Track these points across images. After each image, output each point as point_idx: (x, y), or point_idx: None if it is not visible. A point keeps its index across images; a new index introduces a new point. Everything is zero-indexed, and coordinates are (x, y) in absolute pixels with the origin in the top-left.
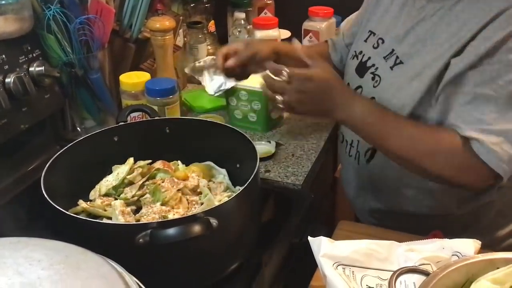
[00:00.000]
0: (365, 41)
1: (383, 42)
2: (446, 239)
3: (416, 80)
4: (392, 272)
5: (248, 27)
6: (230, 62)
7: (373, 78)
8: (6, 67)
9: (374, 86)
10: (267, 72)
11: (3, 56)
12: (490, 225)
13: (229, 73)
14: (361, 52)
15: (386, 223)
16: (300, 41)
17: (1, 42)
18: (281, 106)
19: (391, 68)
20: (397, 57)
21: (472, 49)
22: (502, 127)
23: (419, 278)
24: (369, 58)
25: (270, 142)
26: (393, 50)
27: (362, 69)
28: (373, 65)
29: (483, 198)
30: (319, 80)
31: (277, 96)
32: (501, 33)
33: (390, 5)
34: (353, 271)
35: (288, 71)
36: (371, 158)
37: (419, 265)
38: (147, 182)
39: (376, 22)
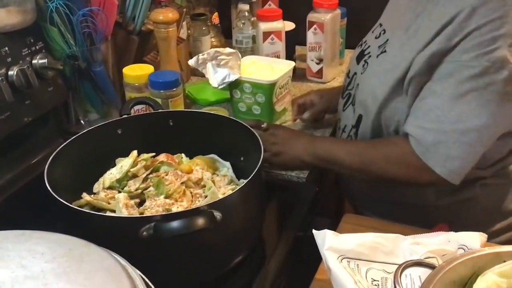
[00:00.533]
0: (373, 31)
1: (384, 32)
2: (452, 232)
3: (391, 72)
4: (397, 266)
5: (252, 19)
6: (307, 116)
7: (363, 66)
8: (9, 59)
9: (361, 73)
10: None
11: (6, 48)
12: (475, 222)
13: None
14: (365, 41)
15: (373, 211)
16: (305, 33)
17: (4, 34)
18: None
19: (377, 56)
20: (384, 46)
21: (434, 45)
22: (442, 126)
23: (424, 272)
24: (369, 47)
25: None
26: (387, 40)
27: (360, 56)
28: (369, 53)
29: (464, 193)
30: (286, 129)
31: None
32: (461, 32)
33: None
34: (357, 264)
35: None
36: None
37: (425, 258)
38: (150, 175)
39: (386, 14)
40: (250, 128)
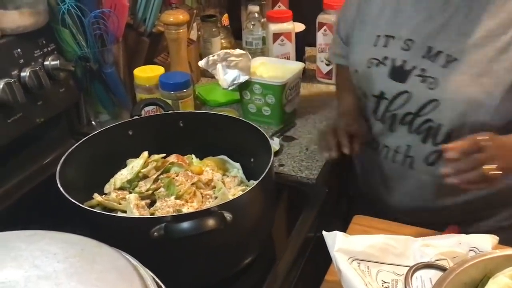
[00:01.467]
0: (376, 45)
1: (413, 42)
2: (463, 234)
3: (486, 76)
4: (408, 268)
5: (262, 20)
6: (356, 147)
7: (423, 81)
8: (22, 61)
9: (431, 89)
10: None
11: (19, 50)
12: None
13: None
14: (386, 58)
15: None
16: (314, 34)
17: (16, 36)
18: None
19: (444, 67)
20: (448, 55)
21: None
22: None
23: (435, 274)
24: (405, 61)
25: (273, 139)
26: (430, 48)
27: (400, 74)
28: (414, 67)
29: None
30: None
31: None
32: None
33: (397, 5)
34: (368, 266)
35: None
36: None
37: (436, 261)
38: (161, 176)
39: (388, 25)
40: (260, 129)
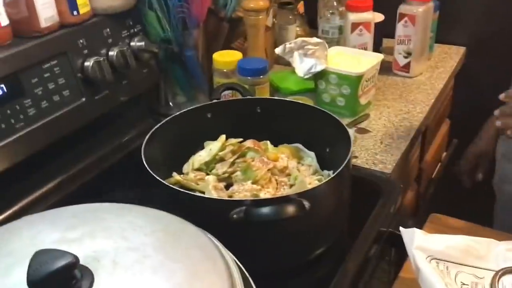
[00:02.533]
0: None
1: None
2: None
3: None
4: (489, 271)
5: (341, 9)
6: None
7: None
8: (110, 40)
9: None
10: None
11: (108, 30)
12: None
13: None
14: None
15: None
16: (393, 25)
17: (106, 16)
18: None
19: None
20: None
21: None
22: None
23: None
24: None
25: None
26: None
27: None
28: None
29: None
30: None
31: None
32: None
33: None
34: (447, 266)
35: None
36: None
37: None
38: (237, 160)
39: None
40: (338, 120)
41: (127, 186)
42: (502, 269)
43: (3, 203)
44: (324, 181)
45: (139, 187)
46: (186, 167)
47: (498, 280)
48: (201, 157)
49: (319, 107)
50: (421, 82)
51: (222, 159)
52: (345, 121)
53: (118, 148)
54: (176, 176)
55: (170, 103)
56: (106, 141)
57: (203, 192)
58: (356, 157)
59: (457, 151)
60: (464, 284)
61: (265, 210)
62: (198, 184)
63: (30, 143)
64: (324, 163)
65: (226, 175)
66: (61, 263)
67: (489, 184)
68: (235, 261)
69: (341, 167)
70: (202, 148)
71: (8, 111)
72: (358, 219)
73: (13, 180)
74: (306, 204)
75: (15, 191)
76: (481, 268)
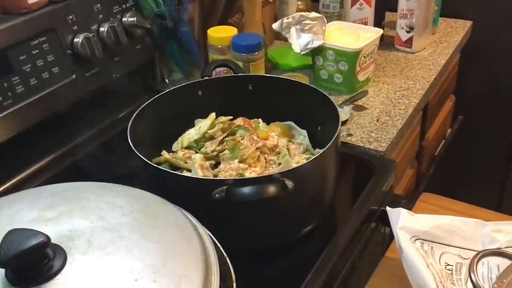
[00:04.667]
0: None
1: None
2: None
3: None
4: (475, 252)
5: None
6: None
7: None
8: (101, 16)
9: None
10: None
11: (98, 5)
12: None
13: None
14: None
15: None
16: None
17: None
18: None
19: None
20: None
21: None
22: None
23: (503, 261)
24: None
25: (343, 107)
26: None
27: None
28: None
29: None
30: None
31: None
32: None
33: None
34: (432, 247)
35: None
36: None
37: (506, 248)
38: (227, 138)
39: None
40: (329, 97)
41: (119, 164)
42: (483, 250)
43: None
44: (310, 159)
45: (129, 166)
46: (175, 145)
47: (477, 262)
48: (190, 135)
49: (310, 85)
50: (423, 58)
51: (211, 137)
52: (342, 98)
53: (112, 125)
54: (165, 155)
55: (166, 80)
56: (100, 119)
57: (191, 171)
58: (351, 135)
59: (462, 128)
60: (448, 264)
61: (246, 190)
62: (186, 163)
63: (19, 120)
64: (316, 142)
65: (215, 153)
66: (32, 242)
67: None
68: (213, 241)
69: (327, 146)
70: (193, 126)
71: None
72: (352, 198)
73: (3, 158)
74: (289, 184)
75: (6, 169)
76: (466, 249)
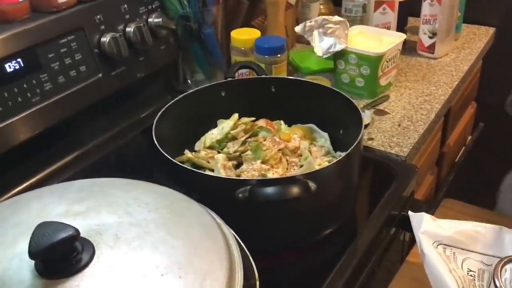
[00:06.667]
0: None
1: None
2: None
3: None
4: (497, 258)
5: None
6: None
7: None
8: (127, 16)
9: None
10: None
11: (125, 5)
12: None
13: None
14: None
15: None
16: (419, 3)
17: None
18: None
19: None
20: None
21: None
22: None
23: None
24: None
25: (364, 111)
26: None
27: None
28: None
29: None
30: None
31: None
32: None
33: None
34: (454, 252)
35: None
36: None
37: None
38: (249, 139)
39: None
40: (352, 101)
41: (142, 162)
42: (507, 256)
43: (19, 176)
44: (332, 162)
45: (153, 164)
46: (198, 145)
47: (502, 268)
48: (213, 135)
49: (333, 88)
50: (445, 64)
51: (234, 138)
52: (364, 102)
53: (135, 124)
54: (187, 154)
55: (189, 81)
56: (123, 117)
57: (213, 170)
58: (372, 139)
59: (483, 135)
60: (470, 270)
61: (269, 190)
62: (209, 162)
63: (46, 117)
64: (337, 145)
65: (237, 153)
66: (62, 235)
67: None
68: (237, 240)
69: (350, 149)
70: (215, 126)
71: (25, 85)
72: (372, 202)
73: (29, 154)
74: (312, 185)
75: (31, 165)
76: (489, 255)
